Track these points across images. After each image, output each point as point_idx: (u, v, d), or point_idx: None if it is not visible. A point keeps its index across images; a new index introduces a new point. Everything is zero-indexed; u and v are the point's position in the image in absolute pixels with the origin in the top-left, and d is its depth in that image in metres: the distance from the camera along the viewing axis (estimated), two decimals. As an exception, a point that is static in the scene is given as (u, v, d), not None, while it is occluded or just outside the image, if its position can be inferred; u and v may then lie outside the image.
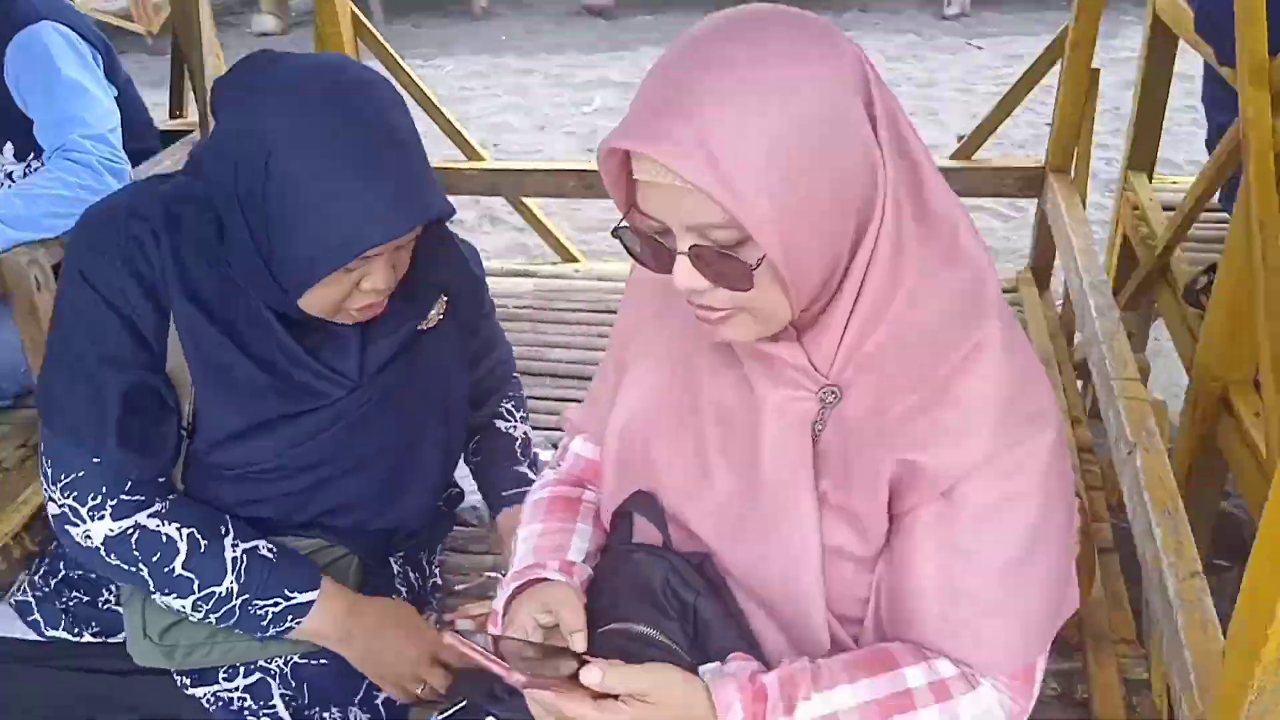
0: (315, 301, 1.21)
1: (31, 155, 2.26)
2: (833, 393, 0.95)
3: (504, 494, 1.62)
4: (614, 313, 1.22)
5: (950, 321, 0.91)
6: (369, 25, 2.77)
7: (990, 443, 0.90)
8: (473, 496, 1.72)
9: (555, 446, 1.33)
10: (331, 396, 1.32)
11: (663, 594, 1.07)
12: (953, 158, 2.78)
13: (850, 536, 0.98)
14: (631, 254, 0.93)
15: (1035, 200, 2.71)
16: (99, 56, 2.21)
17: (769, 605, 1.04)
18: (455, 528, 1.77)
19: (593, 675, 0.88)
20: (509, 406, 1.67)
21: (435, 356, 1.42)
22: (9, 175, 2.29)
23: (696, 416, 1.05)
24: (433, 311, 1.40)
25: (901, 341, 0.92)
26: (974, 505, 0.92)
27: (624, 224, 0.91)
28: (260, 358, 1.26)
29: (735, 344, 0.97)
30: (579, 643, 1.01)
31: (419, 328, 1.38)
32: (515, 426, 1.66)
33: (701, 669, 0.98)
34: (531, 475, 1.61)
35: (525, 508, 1.23)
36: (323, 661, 1.38)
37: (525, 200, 3.02)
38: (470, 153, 2.96)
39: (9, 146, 2.26)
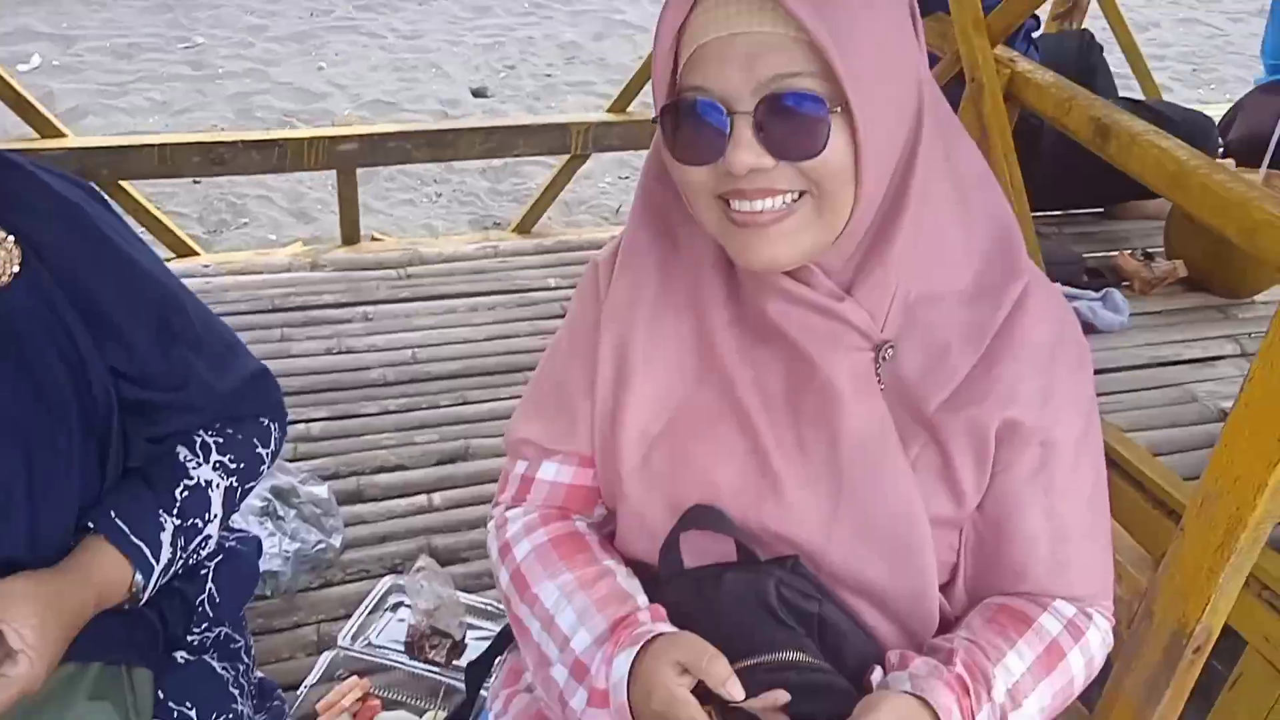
0: None
1: None
2: (891, 349, 0.89)
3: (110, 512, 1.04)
4: (272, 311, 1.00)
5: (990, 276, 0.90)
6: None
7: (1065, 384, 0.92)
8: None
9: None
10: None
11: (781, 610, 0.94)
12: (610, 111, 2.76)
13: (945, 501, 0.93)
14: (670, 144, 0.82)
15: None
16: None
17: (872, 592, 0.96)
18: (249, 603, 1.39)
19: None
20: (207, 438, 1.13)
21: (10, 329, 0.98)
22: None
23: (736, 406, 0.92)
24: None
25: (939, 295, 0.89)
26: (1063, 444, 0.93)
27: (671, 102, 0.81)
28: None
29: (785, 310, 0.86)
30: (737, 691, 0.85)
31: None
32: (199, 466, 1.11)
33: (890, 679, 0.88)
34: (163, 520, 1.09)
35: (524, 558, 0.99)
36: None
37: (126, 185, 2.45)
38: (47, 129, 2.32)
39: None
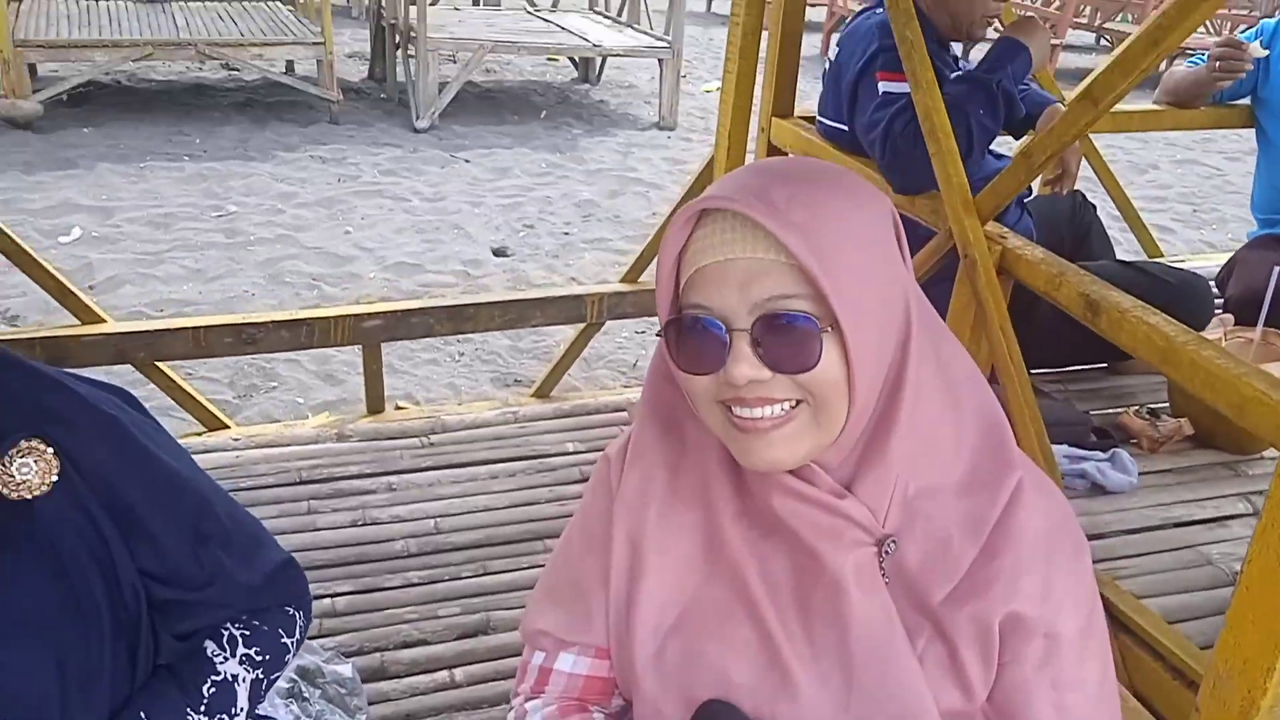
0: None
1: None
2: (894, 543, 0.93)
3: (141, 714, 1.08)
4: (300, 483, 1.06)
5: (983, 470, 0.94)
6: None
7: (1064, 576, 0.94)
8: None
9: None
10: None
11: None
12: (623, 281, 2.87)
13: (955, 695, 0.95)
14: (674, 355, 0.89)
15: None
16: None
17: None
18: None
19: None
20: (235, 631, 1.17)
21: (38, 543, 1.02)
22: None
23: (746, 598, 0.96)
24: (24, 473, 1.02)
25: (936, 488, 0.94)
26: (1068, 637, 0.95)
27: (674, 317, 0.89)
28: None
29: (790, 506, 0.91)
30: None
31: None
32: (226, 661, 1.15)
33: None
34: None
35: None
36: None
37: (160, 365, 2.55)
38: (86, 315, 2.44)
39: None
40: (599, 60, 8.96)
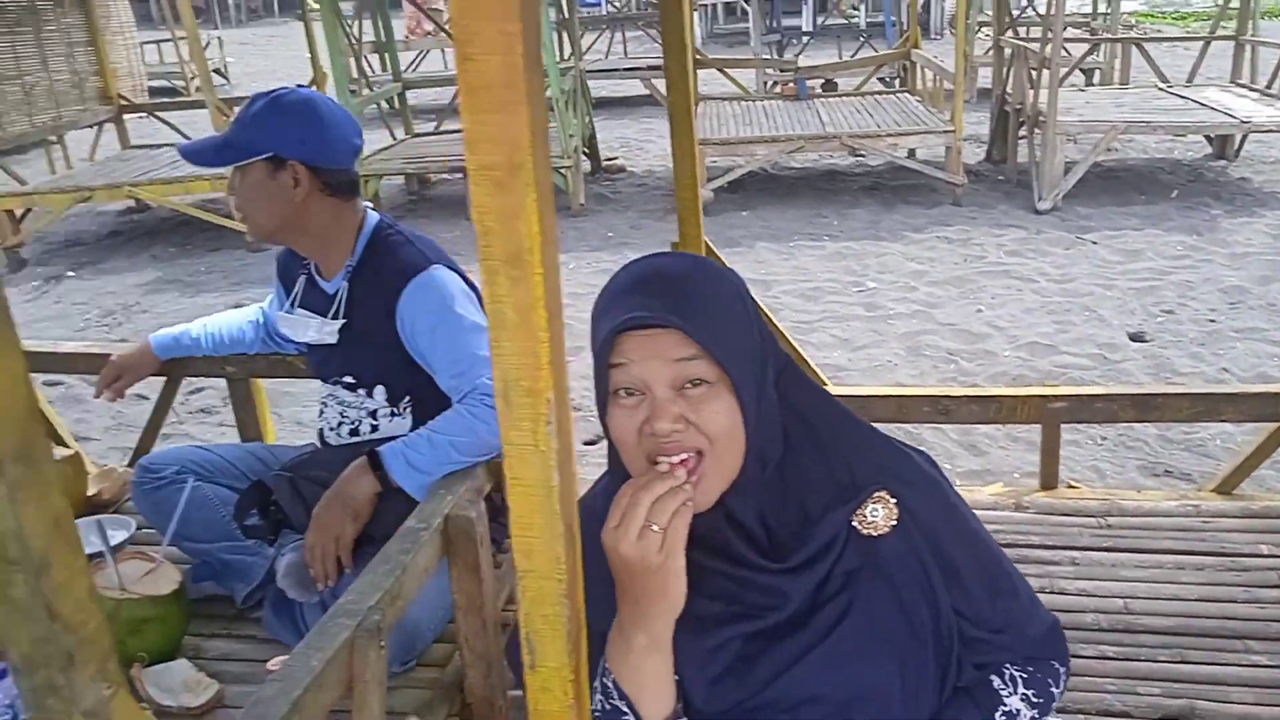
0: None
1: (407, 398, 2.25)
2: None
3: None
4: None
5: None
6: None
7: None
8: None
9: None
10: None
11: None
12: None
13: None
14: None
15: None
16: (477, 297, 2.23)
17: None
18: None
19: None
20: (1015, 673, 1.39)
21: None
22: (373, 414, 2.28)
23: None
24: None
25: None
26: None
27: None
28: None
29: None
30: None
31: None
32: (1010, 695, 1.38)
33: None
34: None
35: None
36: None
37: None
38: (816, 379, 2.92)
39: (380, 390, 2.25)
40: (1238, 135, 8.28)
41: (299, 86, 2.10)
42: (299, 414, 4.64)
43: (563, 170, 7.64)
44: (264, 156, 2.02)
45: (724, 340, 1.20)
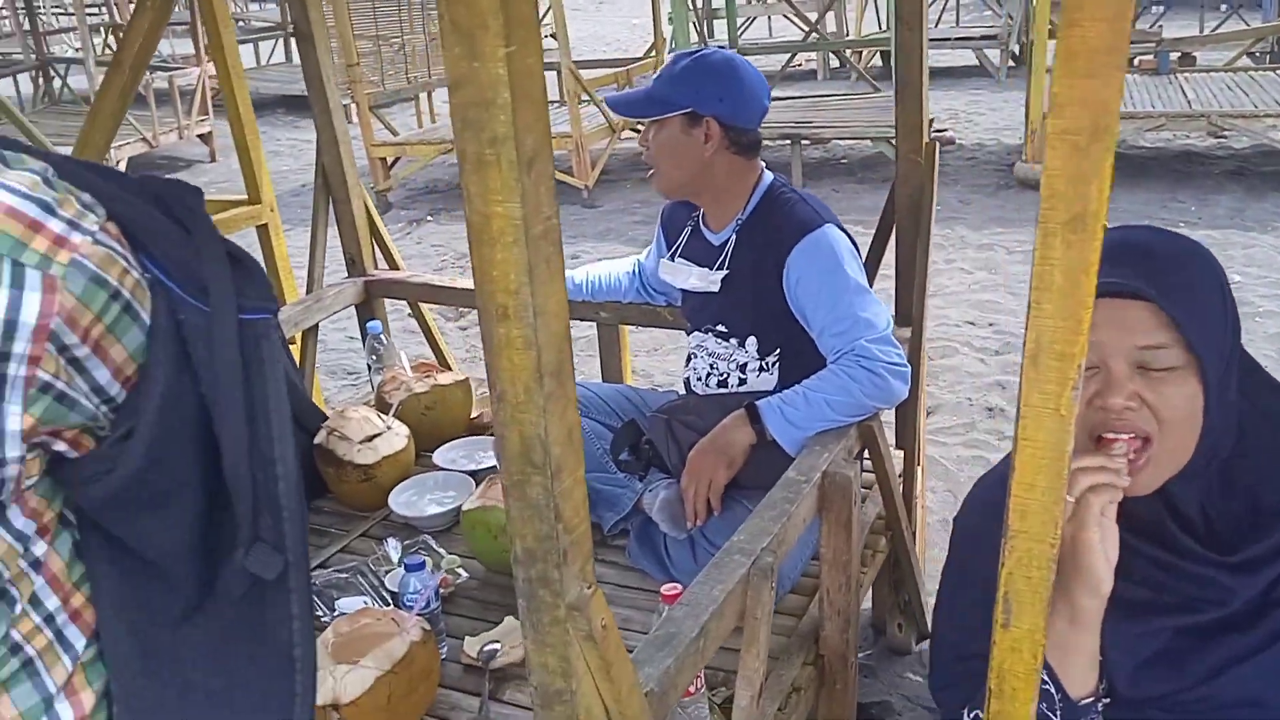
0: None
1: (777, 352, 2.28)
2: None
3: None
4: None
5: None
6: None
7: None
8: None
9: None
10: None
11: None
12: None
13: None
14: None
15: None
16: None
17: None
18: None
19: None
20: None
21: None
22: (742, 368, 2.32)
23: None
24: None
25: None
26: None
27: None
28: None
29: None
30: None
31: None
32: None
33: None
34: None
35: None
36: None
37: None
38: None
39: (752, 341, 2.29)
40: None
41: (719, 48, 2.21)
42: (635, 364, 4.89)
43: (892, 141, 7.48)
44: (682, 111, 2.14)
45: (1200, 323, 1.15)
